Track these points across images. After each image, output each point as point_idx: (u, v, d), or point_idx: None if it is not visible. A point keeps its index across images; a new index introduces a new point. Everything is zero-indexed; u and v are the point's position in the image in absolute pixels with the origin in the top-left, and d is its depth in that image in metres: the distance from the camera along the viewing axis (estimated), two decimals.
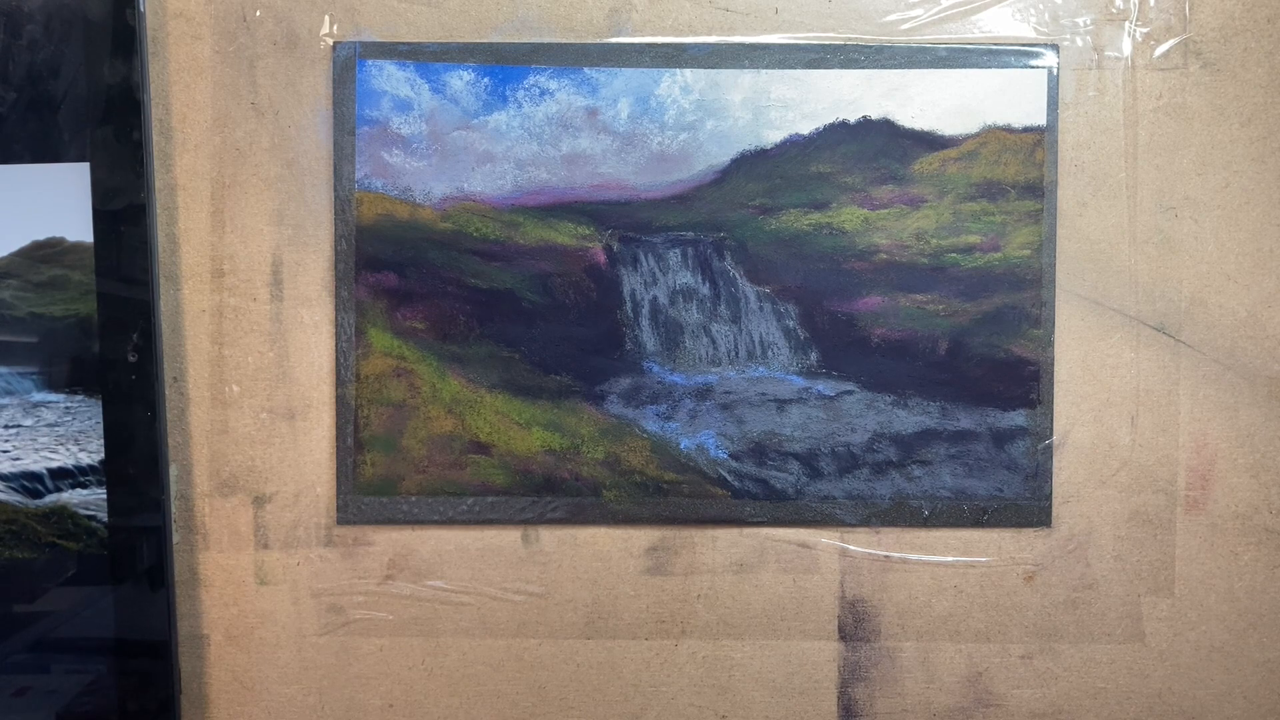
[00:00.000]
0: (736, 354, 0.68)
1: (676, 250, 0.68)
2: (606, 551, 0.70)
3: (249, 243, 0.68)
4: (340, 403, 0.68)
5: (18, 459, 0.67)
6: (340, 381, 0.68)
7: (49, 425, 0.67)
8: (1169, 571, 0.69)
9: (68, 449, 0.67)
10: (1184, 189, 0.68)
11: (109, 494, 0.67)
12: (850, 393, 0.68)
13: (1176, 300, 0.68)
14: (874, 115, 0.67)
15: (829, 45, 0.68)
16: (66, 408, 0.67)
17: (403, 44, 0.67)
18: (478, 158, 0.68)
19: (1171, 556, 0.69)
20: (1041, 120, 0.67)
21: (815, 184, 0.68)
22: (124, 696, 0.68)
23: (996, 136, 0.67)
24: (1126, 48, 0.68)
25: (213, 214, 0.68)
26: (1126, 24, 0.68)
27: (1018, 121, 0.67)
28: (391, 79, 0.67)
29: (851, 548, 0.69)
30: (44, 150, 0.66)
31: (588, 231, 0.68)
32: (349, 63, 0.67)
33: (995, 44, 0.68)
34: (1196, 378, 0.69)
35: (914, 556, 0.69)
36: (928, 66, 0.67)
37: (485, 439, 0.68)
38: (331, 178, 0.68)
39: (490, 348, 0.68)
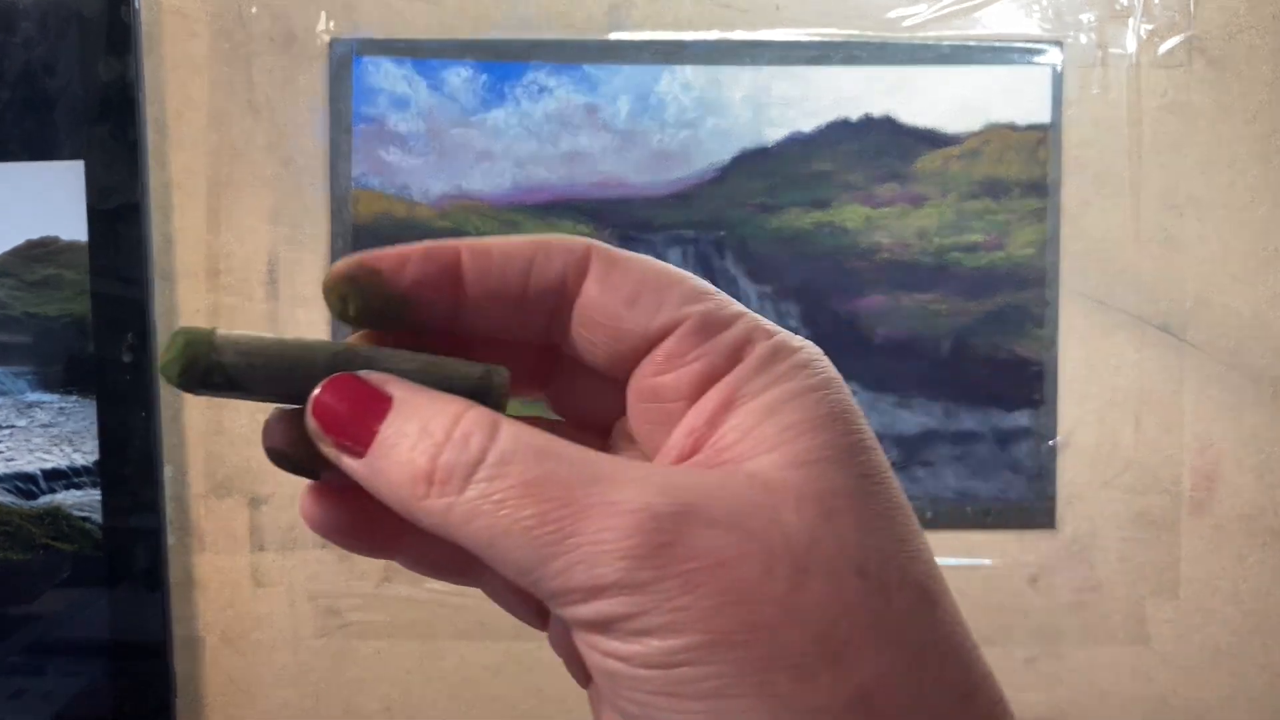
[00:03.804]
0: None
1: (677, 249, 0.67)
2: None
3: (245, 242, 0.68)
4: None
5: (11, 460, 0.67)
6: None
7: (43, 426, 0.66)
8: (1174, 573, 0.69)
9: (62, 450, 0.66)
10: (1188, 187, 0.68)
11: (104, 495, 0.66)
12: (852, 393, 0.67)
13: (1181, 300, 0.68)
14: (876, 113, 0.67)
15: (830, 42, 0.67)
16: (61, 408, 0.66)
17: (400, 41, 0.67)
18: (476, 155, 0.67)
19: (1176, 558, 0.69)
20: (1045, 118, 0.67)
21: (816, 182, 0.67)
22: (120, 699, 0.67)
23: (999, 134, 0.67)
24: (1131, 45, 0.67)
25: (208, 213, 0.68)
26: (1131, 21, 0.67)
27: (1021, 119, 0.67)
28: (389, 76, 0.67)
29: None
30: (38, 148, 0.66)
31: (587, 230, 0.67)
32: (346, 60, 0.67)
33: (998, 41, 0.67)
34: (1201, 378, 0.68)
35: None
36: (930, 64, 0.67)
37: None
38: (328, 176, 0.67)
39: None
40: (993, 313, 0.67)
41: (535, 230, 0.66)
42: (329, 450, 0.22)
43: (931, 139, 0.67)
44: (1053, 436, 0.68)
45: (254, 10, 0.67)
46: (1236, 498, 0.68)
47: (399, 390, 0.22)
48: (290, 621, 0.69)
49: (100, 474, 0.66)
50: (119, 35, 0.65)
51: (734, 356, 0.22)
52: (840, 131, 0.67)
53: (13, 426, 0.66)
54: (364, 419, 0.21)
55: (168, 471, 0.68)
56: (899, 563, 0.20)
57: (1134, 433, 0.68)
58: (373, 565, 0.69)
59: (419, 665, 0.69)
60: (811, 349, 0.23)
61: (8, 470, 0.67)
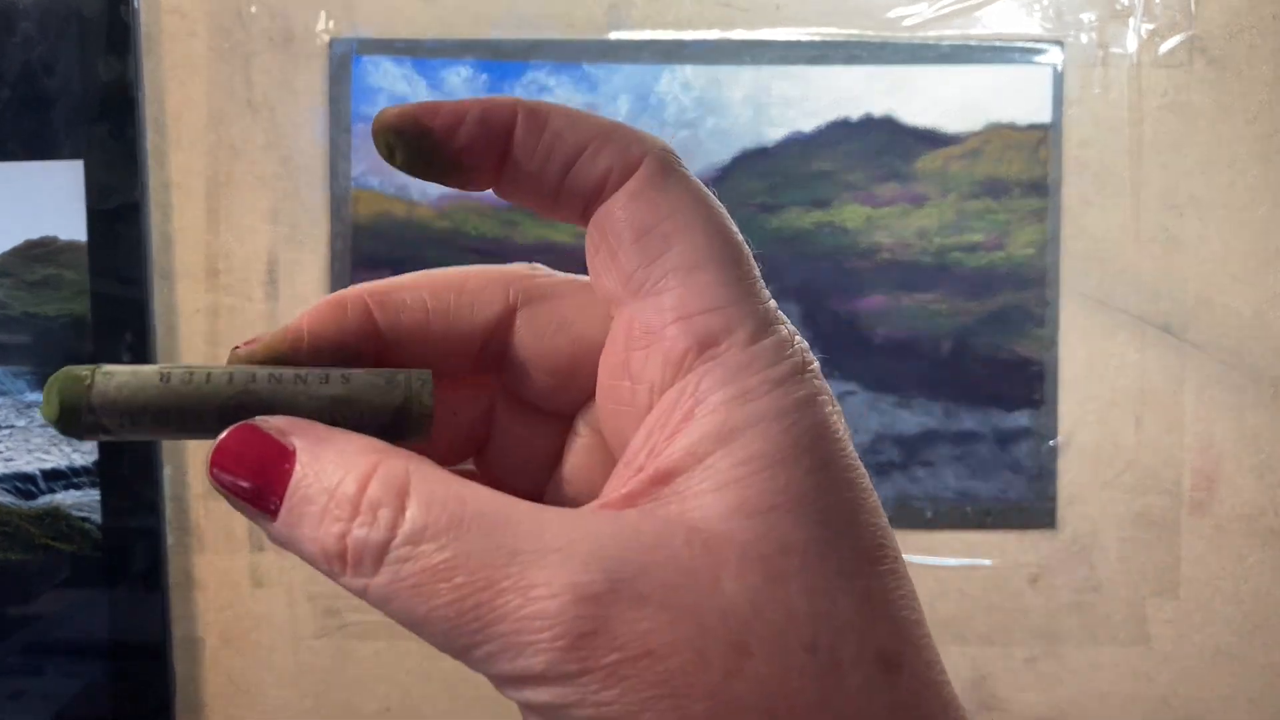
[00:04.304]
0: None
1: None
2: None
3: (244, 241, 0.68)
4: None
5: (10, 460, 0.66)
6: None
7: (42, 426, 0.66)
8: (1174, 574, 0.69)
9: (61, 450, 0.66)
10: (1189, 187, 0.67)
11: (103, 495, 0.66)
12: (853, 393, 0.67)
13: (1182, 300, 0.68)
14: (876, 112, 0.67)
15: (831, 42, 0.67)
16: None
17: (400, 40, 0.67)
18: None
19: (1177, 558, 0.69)
20: (1046, 117, 0.67)
21: (817, 182, 0.67)
22: (119, 700, 0.67)
23: (1000, 134, 0.67)
24: (1131, 44, 0.67)
25: (208, 212, 0.68)
26: (1131, 20, 0.67)
27: (1022, 119, 0.67)
28: (388, 76, 0.67)
29: None
30: (37, 148, 0.66)
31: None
32: (345, 59, 0.67)
33: (999, 40, 0.67)
34: (1202, 378, 0.68)
35: (917, 559, 0.69)
36: (931, 63, 0.67)
37: None
38: (328, 175, 0.67)
39: None
40: (993, 313, 0.67)
41: (535, 230, 0.66)
42: (242, 512, 0.20)
43: (932, 139, 0.67)
44: (1053, 436, 0.68)
45: (253, 9, 0.67)
46: (1237, 498, 0.68)
47: (302, 441, 0.20)
48: (289, 622, 0.69)
49: (99, 474, 0.66)
50: (118, 35, 0.65)
51: (705, 347, 0.20)
52: (840, 131, 0.67)
53: (12, 426, 0.66)
54: (268, 480, 0.19)
55: (167, 471, 0.68)
56: (857, 629, 0.18)
57: (1134, 433, 0.68)
58: None
59: (418, 665, 0.69)
60: (796, 357, 0.20)
61: (7, 470, 0.66)
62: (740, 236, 0.21)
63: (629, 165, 0.21)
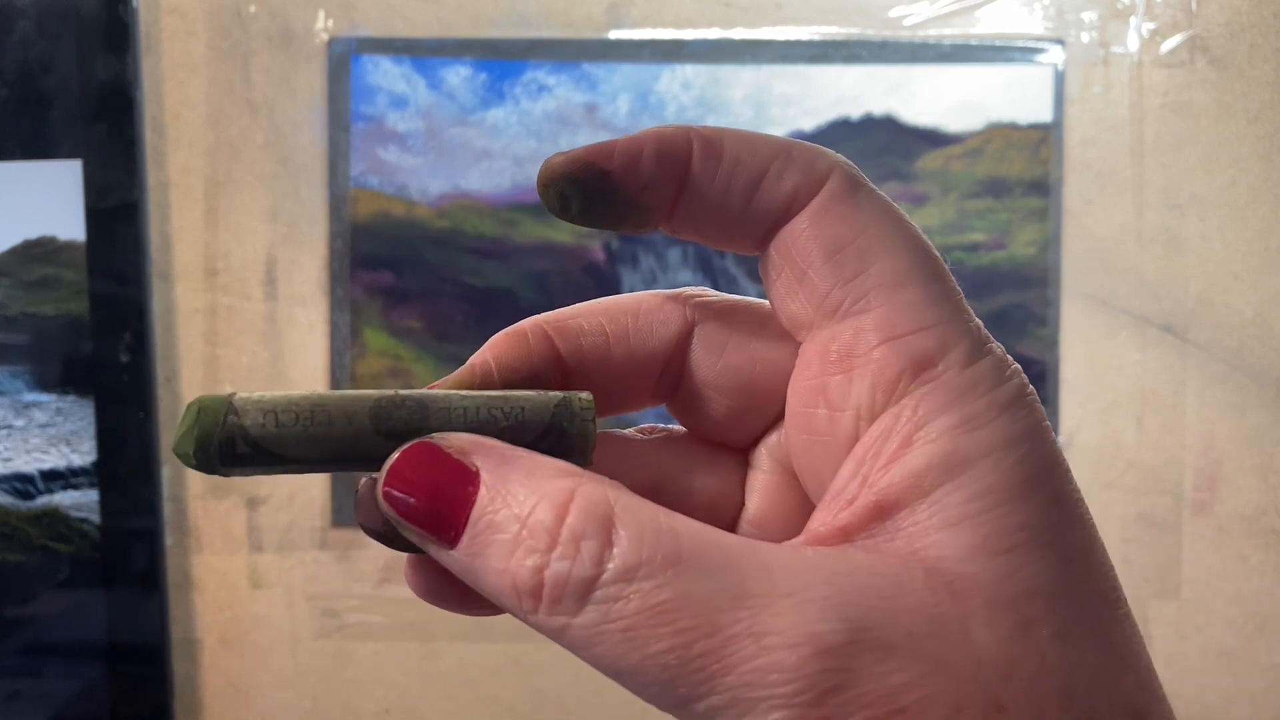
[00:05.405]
0: None
1: (677, 248, 0.67)
2: None
3: (243, 241, 0.67)
4: None
5: (9, 460, 0.66)
6: (335, 382, 0.67)
7: (40, 426, 0.66)
8: (1176, 574, 0.68)
9: (59, 450, 0.66)
10: (1191, 187, 0.67)
11: (101, 496, 0.66)
12: None
13: (1183, 299, 0.67)
14: (877, 112, 0.67)
15: (831, 41, 0.67)
16: (58, 408, 0.66)
17: (399, 39, 0.67)
18: (475, 155, 0.67)
19: (1178, 559, 0.68)
20: (1047, 117, 0.67)
21: None
22: (117, 701, 0.67)
23: (1001, 133, 0.67)
24: (1133, 44, 0.67)
25: (206, 212, 0.67)
26: (1133, 19, 0.67)
27: (1023, 118, 0.67)
28: (387, 75, 0.67)
29: None
30: (36, 147, 0.65)
31: (586, 229, 0.67)
32: (344, 59, 0.67)
33: (1000, 40, 0.67)
34: (1203, 378, 0.68)
35: None
36: (931, 62, 0.66)
37: None
38: (326, 175, 0.67)
39: None
40: (994, 312, 0.67)
41: (534, 230, 0.66)
42: (412, 537, 0.18)
43: (933, 138, 0.67)
44: (1055, 437, 0.68)
45: (252, 9, 0.67)
46: (1239, 498, 0.68)
47: (485, 461, 0.18)
48: (288, 623, 0.69)
49: (98, 474, 0.66)
50: (117, 34, 0.65)
51: (920, 369, 0.18)
52: (841, 130, 0.67)
53: (10, 427, 0.66)
54: (449, 505, 0.18)
55: (165, 472, 0.68)
56: (1107, 680, 0.17)
57: (1136, 433, 0.68)
58: (372, 566, 0.68)
59: (417, 667, 0.69)
60: (1017, 380, 0.19)
61: (5, 471, 0.66)
62: (936, 251, 0.20)
63: (815, 182, 0.19)
